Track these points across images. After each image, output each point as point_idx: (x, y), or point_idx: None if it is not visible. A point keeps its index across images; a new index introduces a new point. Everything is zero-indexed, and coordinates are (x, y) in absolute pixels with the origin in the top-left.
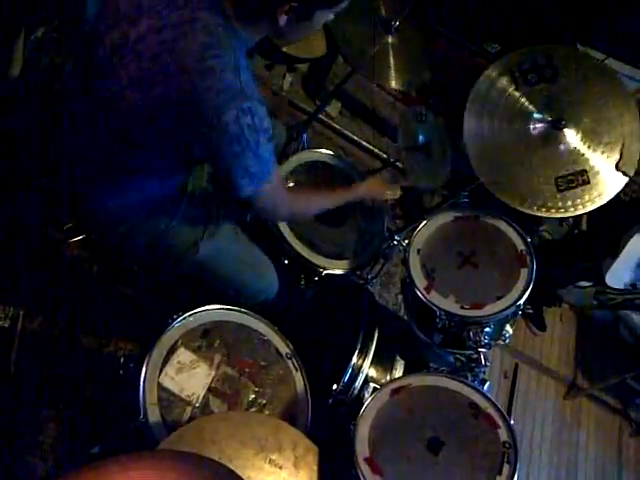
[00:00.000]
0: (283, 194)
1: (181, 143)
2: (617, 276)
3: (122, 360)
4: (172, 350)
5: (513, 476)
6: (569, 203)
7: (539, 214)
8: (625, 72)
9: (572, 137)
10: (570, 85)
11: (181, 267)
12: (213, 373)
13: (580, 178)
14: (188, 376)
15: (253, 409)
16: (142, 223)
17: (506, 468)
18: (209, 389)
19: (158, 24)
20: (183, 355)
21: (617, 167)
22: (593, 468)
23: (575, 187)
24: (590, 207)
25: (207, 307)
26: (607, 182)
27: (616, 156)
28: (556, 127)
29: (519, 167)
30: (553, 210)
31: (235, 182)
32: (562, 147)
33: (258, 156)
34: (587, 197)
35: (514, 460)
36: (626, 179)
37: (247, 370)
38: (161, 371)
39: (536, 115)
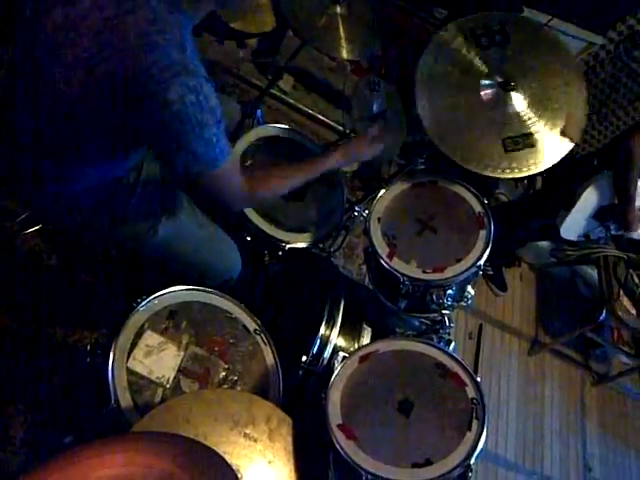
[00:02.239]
0: (238, 182)
1: (128, 125)
2: (571, 228)
3: (89, 348)
4: (139, 334)
5: (482, 431)
6: (514, 165)
7: (486, 174)
8: (570, 32)
9: (520, 100)
10: (520, 51)
11: (141, 251)
12: (182, 354)
13: (526, 141)
14: (157, 358)
15: (225, 386)
16: (98, 209)
17: (475, 424)
18: (179, 370)
19: (100, 1)
20: (150, 338)
21: (562, 132)
22: (558, 419)
23: (521, 149)
24: (534, 170)
25: (172, 289)
26: (552, 146)
27: (562, 121)
28: (505, 89)
29: (470, 129)
30: (499, 171)
31: (179, 163)
32: (510, 110)
33: (204, 137)
34: (532, 160)
35: (482, 415)
36: (571, 145)
37: (216, 348)
38: (129, 355)
39: (486, 78)
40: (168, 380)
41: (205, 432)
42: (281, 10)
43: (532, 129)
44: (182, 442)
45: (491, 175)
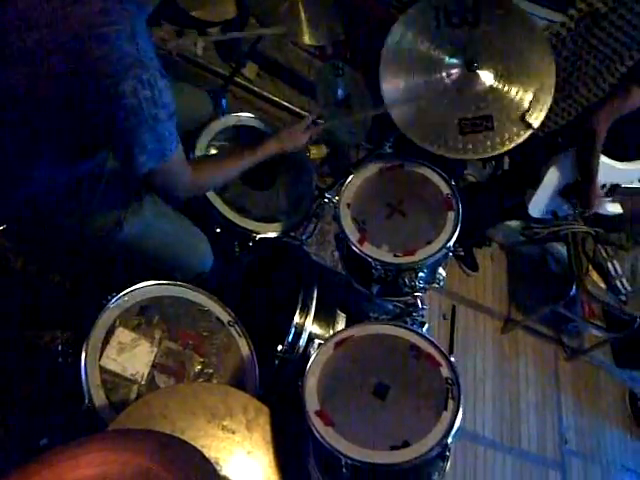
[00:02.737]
0: (185, 171)
1: (82, 122)
2: (538, 206)
3: (60, 348)
4: (110, 331)
5: (458, 410)
6: (469, 146)
7: (440, 153)
8: (530, 10)
9: (484, 82)
10: (490, 33)
11: (109, 247)
12: (155, 349)
13: (485, 123)
14: (130, 355)
15: (201, 380)
16: (63, 205)
17: (451, 403)
18: (153, 365)
19: None
20: (122, 335)
21: (522, 118)
22: (534, 394)
23: (479, 131)
24: (491, 153)
25: (142, 284)
26: (511, 131)
27: (524, 107)
28: (469, 69)
29: (432, 109)
30: (453, 151)
31: (133, 159)
32: (473, 91)
33: (157, 132)
34: (488, 143)
35: (458, 395)
36: (530, 131)
37: (190, 342)
38: (102, 354)
39: (451, 58)
40: (143, 376)
41: (182, 426)
42: None
43: (493, 111)
44: (158, 438)
45: (446, 155)
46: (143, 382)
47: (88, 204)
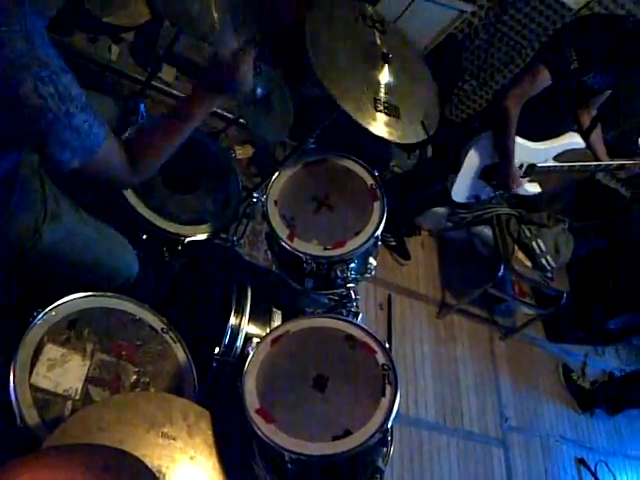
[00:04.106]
0: (120, 160)
1: None
2: (461, 191)
3: None
4: (39, 348)
5: (396, 394)
6: (377, 122)
7: (354, 116)
8: (441, 1)
9: (393, 78)
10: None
11: (28, 258)
12: (88, 363)
13: (393, 112)
14: (62, 371)
15: (137, 389)
16: None
17: (388, 388)
18: (87, 379)
19: None
20: (52, 351)
21: (423, 122)
22: (473, 376)
23: (388, 115)
24: (386, 136)
25: (69, 297)
26: (411, 129)
27: (423, 112)
28: (384, 60)
29: (359, 85)
30: (363, 119)
31: (56, 159)
32: (387, 80)
33: (74, 127)
34: (390, 129)
35: (394, 379)
36: (424, 136)
37: (124, 353)
38: (31, 372)
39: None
40: (76, 391)
41: (121, 438)
42: (152, 1)
43: (401, 104)
44: (94, 451)
45: (356, 118)
46: (77, 397)
47: (4, 206)
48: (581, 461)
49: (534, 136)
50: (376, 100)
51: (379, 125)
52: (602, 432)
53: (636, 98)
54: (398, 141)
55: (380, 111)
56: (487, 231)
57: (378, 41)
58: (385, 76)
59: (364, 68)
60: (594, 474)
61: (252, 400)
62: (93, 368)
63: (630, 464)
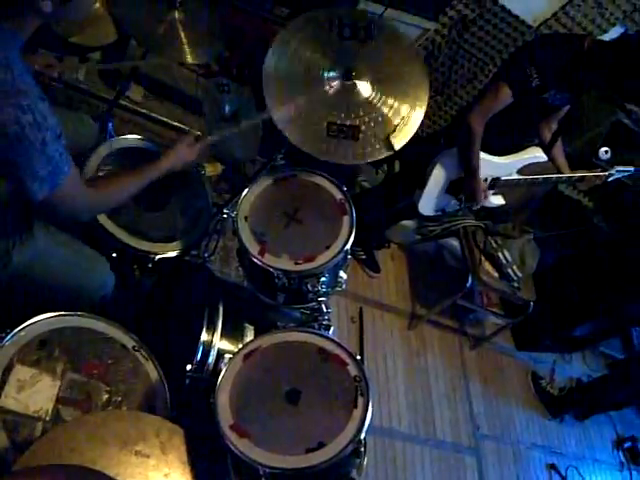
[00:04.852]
0: (83, 192)
1: None
2: (428, 205)
3: None
4: (8, 369)
5: (368, 406)
6: (332, 149)
7: (304, 148)
8: (405, 20)
9: (360, 95)
10: (376, 53)
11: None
12: (59, 383)
13: (350, 132)
14: (32, 392)
15: (110, 408)
16: None
17: (360, 400)
18: (57, 400)
19: None
20: (21, 372)
21: (387, 138)
22: (444, 385)
23: (343, 138)
24: (348, 161)
25: (39, 317)
26: (373, 147)
27: (391, 129)
28: (346, 78)
29: (309, 108)
30: (315, 149)
31: (26, 187)
32: (349, 100)
33: (47, 156)
34: (350, 151)
35: (366, 390)
36: (390, 152)
37: (95, 372)
38: (0, 394)
39: (333, 66)
40: (47, 412)
41: (93, 457)
42: (118, 21)
43: (361, 124)
44: (64, 472)
45: (307, 151)
46: (48, 418)
47: None
48: (552, 467)
49: (498, 150)
50: (330, 125)
51: (332, 150)
52: (572, 437)
53: (594, 113)
54: (350, 163)
55: (332, 136)
56: (455, 243)
57: (344, 61)
58: (349, 95)
59: (322, 92)
60: (565, 479)
61: (225, 416)
62: (64, 388)
63: (599, 468)
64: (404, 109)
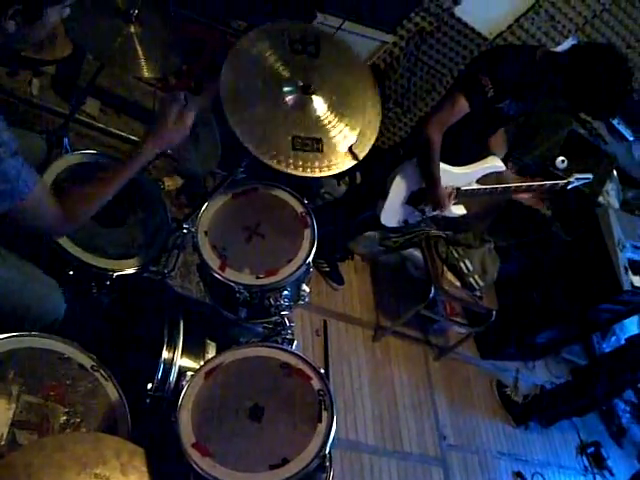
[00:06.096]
0: (50, 205)
1: None
2: (389, 216)
3: None
4: None
5: (332, 419)
6: (300, 162)
7: (270, 164)
8: (362, 33)
9: (319, 108)
10: (327, 67)
11: None
12: (14, 406)
13: (315, 145)
14: None
15: (68, 430)
16: None
17: (325, 414)
18: (12, 423)
19: None
20: None
21: (350, 149)
22: (409, 396)
23: (308, 151)
24: (319, 174)
25: None
26: (338, 158)
27: (353, 138)
28: (305, 92)
29: (272, 123)
30: (283, 164)
31: None
32: (309, 113)
33: (2, 173)
34: (317, 164)
35: (330, 404)
36: (354, 162)
37: (52, 393)
38: None
39: (291, 79)
40: (2, 437)
41: None
42: (72, 36)
43: (324, 136)
44: None
45: (276, 167)
46: (3, 442)
47: None
48: (518, 474)
49: (457, 161)
50: (295, 139)
51: (297, 167)
52: (537, 444)
53: (549, 123)
54: (318, 175)
55: (298, 150)
56: (418, 254)
57: (300, 74)
58: (309, 109)
59: (283, 108)
60: None
61: (187, 434)
62: (19, 411)
63: (564, 474)
64: (362, 119)
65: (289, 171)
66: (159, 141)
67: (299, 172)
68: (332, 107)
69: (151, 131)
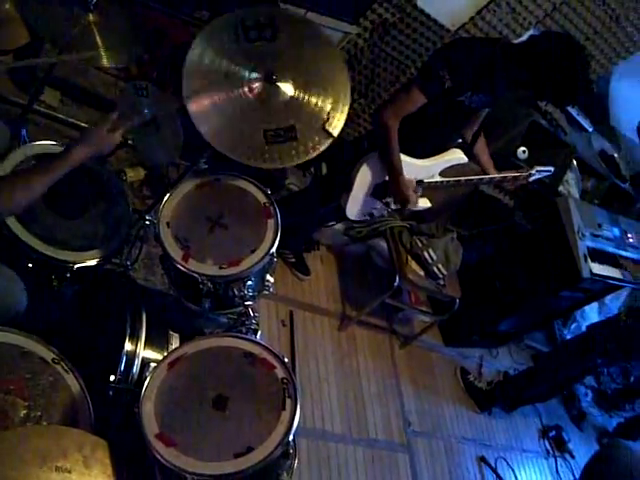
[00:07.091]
0: None
1: None
2: (354, 209)
3: None
4: None
5: (296, 407)
6: (276, 155)
7: (249, 163)
8: (326, 24)
9: (284, 94)
10: (287, 47)
11: None
12: None
13: (289, 134)
14: None
15: (29, 424)
16: None
17: (288, 402)
18: None
19: None
20: None
21: (323, 127)
22: (375, 385)
23: (283, 142)
24: (296, 161)
25: None
26: (314, 140)
27: (324, 117)
28: (269, 82)
29: (240, 122)
30: (261, 161)
31: None
32: (276, 102)
33: None
34: (293, 152)
35: (294, 392)
36: (330, 139)
37: (11, 387)
38: None
39: (251, 72)
40: None
41: (11, 476)
42: (29, 23)
43: (296, 122)
44: None
45: (255, 165)
46: None
47: None
48: (482, 459)
49: (419, 153)
50: (266, 132)
51: (275, 159)
52: (500, 430)
53: (511, 114)
54: (299, 162)
55: (272, 143)
56: (383, 244)
57: (260, 64)
58: (275, 97)
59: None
60: (495, 470)
61: (151, 425)
62: None
63: (527, 458)
64: (330, 98)
65: (268, 166)
66: (89, 147)
67: (278, 164)
68: (300, 88)
69: (85, 136)
